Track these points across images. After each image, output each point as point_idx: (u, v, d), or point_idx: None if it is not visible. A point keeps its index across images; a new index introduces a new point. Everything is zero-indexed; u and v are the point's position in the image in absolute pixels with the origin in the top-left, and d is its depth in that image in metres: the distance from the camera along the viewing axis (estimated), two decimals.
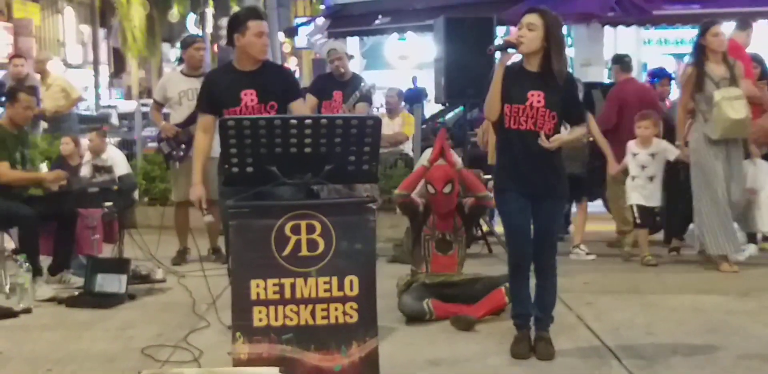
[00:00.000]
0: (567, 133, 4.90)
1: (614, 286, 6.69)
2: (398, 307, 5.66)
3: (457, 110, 11.84)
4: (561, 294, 5.18)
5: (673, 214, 8.14)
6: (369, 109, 7.73)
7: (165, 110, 8.00)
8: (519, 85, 4.67)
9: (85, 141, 8.89)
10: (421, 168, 6.01)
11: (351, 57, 8.04)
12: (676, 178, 7.70)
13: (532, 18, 4.65)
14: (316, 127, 3.85)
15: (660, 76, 9.15)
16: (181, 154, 7.64)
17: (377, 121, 3.97)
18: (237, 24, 5.08)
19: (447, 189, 5.78)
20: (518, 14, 4.82)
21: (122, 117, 19.11)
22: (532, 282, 4.96)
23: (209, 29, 34.03)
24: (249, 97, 5.05)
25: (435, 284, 5.78)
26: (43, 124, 11.35)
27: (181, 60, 8.52)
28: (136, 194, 8.84)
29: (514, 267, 4.88)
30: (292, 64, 33.26)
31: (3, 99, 6.97)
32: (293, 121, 3.86)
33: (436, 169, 5.96)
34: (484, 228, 8.45)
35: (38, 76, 11.34)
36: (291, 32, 27.99)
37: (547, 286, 4.91)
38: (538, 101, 4.66)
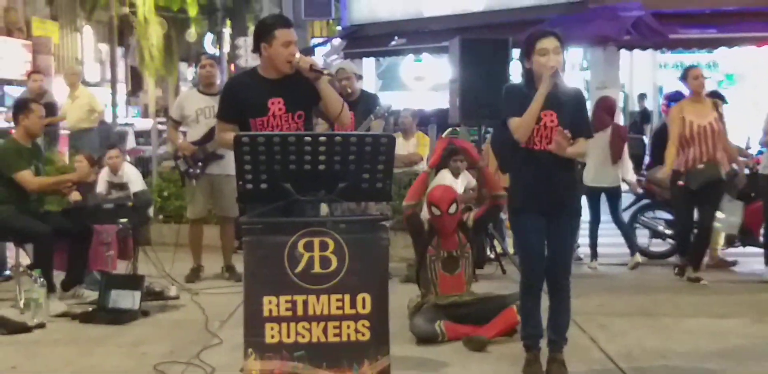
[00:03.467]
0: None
1: (628, 308, 6.66)
2: (410, 329, 5.64)
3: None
4: (574, 316, 5.15)
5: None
6: (383, 126, 7.65)
7: (182, 128, 8.04)
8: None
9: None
10: (423, 174, 6.02)
11: (360, 77, 7.98)
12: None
13: (556, 42, 4.66)
14: (330, 144, 3.86)
15: (676, 99, 9.17)
16: (198, 171, 7.67)
17: (391, 140, 3.98)
18: (264, 32, 4.74)
19: (452, 209, 5.79)
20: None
21: (138, 135, 19.20)
22: (545, 303, 4.94)
23: (226, 49, 34.23)
24: (277, 106, 4.75)
25: (446, 305, 5.76)
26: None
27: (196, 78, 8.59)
28: (150, 211, 8.88)
29: (527, 288, 4.85)
30: None
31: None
32: (307, 138, 3.87)
33: (437, 190, 5.97)
34: (498, 249, 8.44)
35: (66, 90, 11.59)
36: (307, 52, 28.09)
37: (560, 308, 4.88)
38: (552, 121, 4.67)
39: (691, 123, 7.50)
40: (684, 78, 7.70)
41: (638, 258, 8.61)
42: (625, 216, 9.13)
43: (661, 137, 8.87)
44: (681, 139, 7.52)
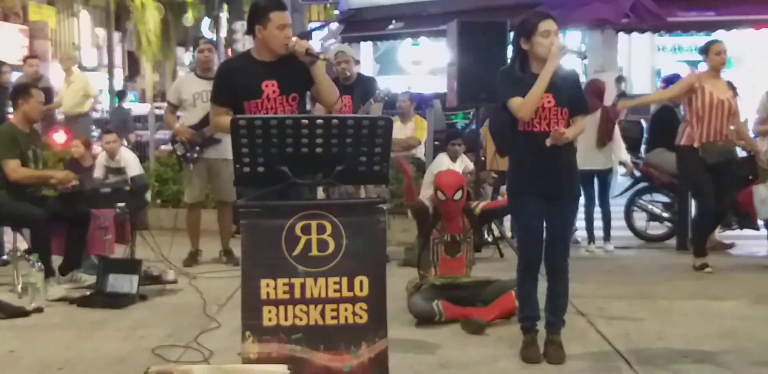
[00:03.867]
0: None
1: (626, 291, 6.67)
2: (408, 308, 5.67)
3: None
4: (572, 299, 5.16)
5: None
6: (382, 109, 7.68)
7: (179, 112, 8.02)
8: (528, 88, 4.65)
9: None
10: (407, 182, 5.96)
11: (357, 62, 8.01)
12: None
13: (555, 24, 4.69)
14: (327, 127, 3.85)
15: (674, 82, 9.13)
16: (195, 155, 7.66)
17: (388, 122, 3.97)
18: (259, 15, 4.74)
19: (457, 195, 5.79)
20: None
21: (136, 119, 19.14)
22: (543, 285, 4.95)
23: (223, 33, 34.13)
24: (271, 88, 4.75)
25: (444, 285, 5.78)
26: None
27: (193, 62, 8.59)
28: (148, 195, 8.88)
29: (524, 269, 4.86)
30: None
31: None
32: (304, 121, 3.86)
33: (445, 175, 6.01)
34: (496, 233, 8.45)
35: (62, 75, 11.59)
36: (305, 37, 28.03)
37: (559, 289, 4.89)
38: (549, 102, 4.68)
39: (711, 94, 7.23)
40: (705, 52, 7.42)
41: (610, 246, 8.60)
42: (623, 200, 9.14)
43: (659, 120, 8.85)
44: (697, 111, 7.26)
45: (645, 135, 9.78)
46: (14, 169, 6.59)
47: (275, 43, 4.72)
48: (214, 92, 5.03)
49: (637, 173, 9.03)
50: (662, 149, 8.59)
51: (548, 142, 4.63)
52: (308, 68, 4.74)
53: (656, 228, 9.16)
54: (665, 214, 9.03)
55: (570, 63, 17.23)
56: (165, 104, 8.53)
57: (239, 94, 4.79)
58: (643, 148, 9.73)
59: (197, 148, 7.64)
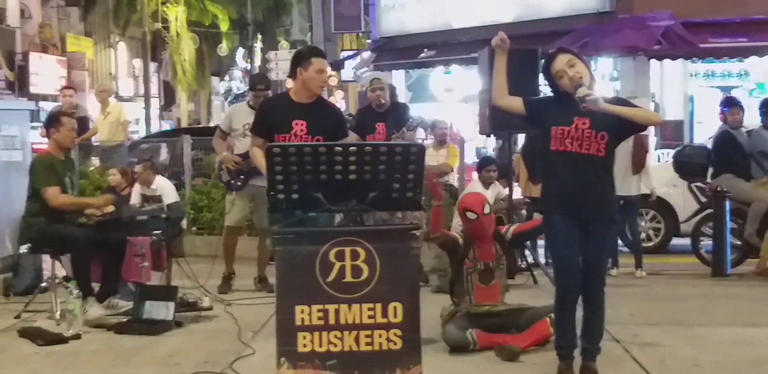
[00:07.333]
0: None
1: (661, 318, 6.63)
2: (442, 337, 5.66)
3: None
4: (607, 326, 5.13)
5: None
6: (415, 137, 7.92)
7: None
8: (565, 110, 4.69)
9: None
10: (436, 208, 5.95)
11: (393, 88, 8.18)
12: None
13: (568, 56, 4.76)
14: (360, 154, 3.91)
15: (730, 105, 9.01)
16: (239, 184, 7.76)
17: (421, 149, 4.02)
18: (301, 59, 5.56)
19: (486, 209, 5.82)
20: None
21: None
22: (579, 313, 4.93)
23: (257, 63, 34.51)
24: (299, 127, 5.46)
25: (479, 314, 5.77)
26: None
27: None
28: (184, 223, 8.95)
29: (561, 299, 4.82)
30: (338, 96, 33.61)
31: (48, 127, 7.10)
32: (338, 148, 3.92)
33: (467, 197, 6.11)
34: (529, 259, 8.43)
35: (99, 106, 11.81)
36: (337, 65, 28.31)
37: (594, 318, 4.86)
38: (584, 124, 4.66)
39: None
40: None
41: (641, 273, 8.53)
42: (689, 226, 9.03)
43: (721, 145, 8.73)
44: None
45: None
46: (55, 195, 6.70)
47: (313, 84, 5.52)
48: (253, 124, 5.83)
49: (704, 199, 8.89)
50: (729, 175, 8.51)
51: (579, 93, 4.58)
52: (336, 118, 5.64)
53: None
54: (732, 241, 8.72)
55: (603, 87, 17.20)
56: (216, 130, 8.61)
57: (272, 127, 5.54)
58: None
59: (242, 177, 7.74)
